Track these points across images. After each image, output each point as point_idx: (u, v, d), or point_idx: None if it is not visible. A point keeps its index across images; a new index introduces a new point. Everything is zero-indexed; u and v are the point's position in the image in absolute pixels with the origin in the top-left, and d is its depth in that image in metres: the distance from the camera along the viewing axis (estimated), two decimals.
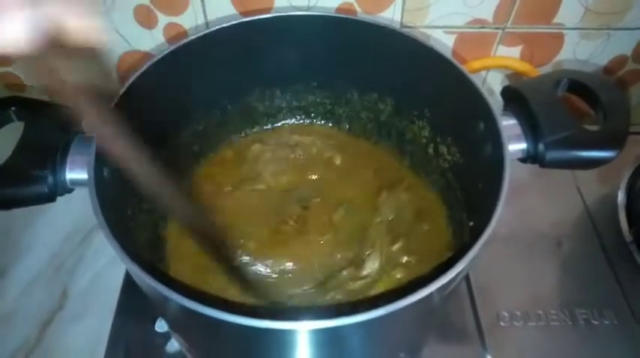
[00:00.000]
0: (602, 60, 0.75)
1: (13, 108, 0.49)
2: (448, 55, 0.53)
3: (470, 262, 0.39)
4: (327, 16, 0.59)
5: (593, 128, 0.49)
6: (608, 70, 0.77)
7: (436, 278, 0.38)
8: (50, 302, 0.63)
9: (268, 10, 0.68)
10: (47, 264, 0.66)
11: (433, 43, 0.55)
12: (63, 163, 0.47)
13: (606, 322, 0.61)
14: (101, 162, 0.45)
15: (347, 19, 0.58)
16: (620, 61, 0.76)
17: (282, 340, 0.39)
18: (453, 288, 0.43)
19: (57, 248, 0.68)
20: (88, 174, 0.44)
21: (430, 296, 0.38)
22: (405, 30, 0.60)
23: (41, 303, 0.63)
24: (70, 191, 0.48)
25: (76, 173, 0.47)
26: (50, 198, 0.47)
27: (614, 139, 0.48)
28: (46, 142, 0.47)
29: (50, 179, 0.46)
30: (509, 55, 0.74)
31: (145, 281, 0.38)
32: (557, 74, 0.53)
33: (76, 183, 0.47)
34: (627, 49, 0.74)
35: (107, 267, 0.66)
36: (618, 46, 0.74)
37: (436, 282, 0.38)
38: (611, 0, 0.67)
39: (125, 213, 0.52)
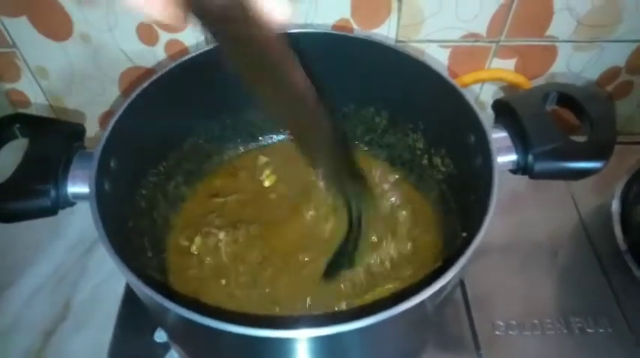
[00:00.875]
0: (596, 71, 0.76)
1: (17, 125, 0.51)
2: (441, 69, 0.54)
3: (460, 270, 0.40)
4: (324, 33, 0.60)
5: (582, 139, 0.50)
6: (601, 81, 0.78)
7: (428, 286, 0.39)
8: (53, 313, 0.64)
9: None
10: (50, 275, 0.67)
11: (427, 57, 0.56)
12: (65, 178, 0.48)
13: (601, 330, 0.61)
14: (102, 176, 0.46)
15: (343, 36, 0.60)
16: (613, 72, 0.77)
17: (281, 348, 0.40)
18: (448, 296, 0.44)
19: (60, 260, 0.68)
20: (89, 188, 0.45)
21: (424, 303, 0.39)
22: (398, 46, 0.61)
23: (44, 314, 0.64)
24: (71, 204, 0.49)
25: (77, 187, 0.48)
26: (53, 211, 0.48)
27: (600, 150, 0.48)
28: (48, 157, 0.49)
29: (53, 193, 0.47)
30: (504, 67, 0.75)
31: (145, 292, 0.39)
32: (546, 87, 0.53)
33: (78, 196, 0.48)
34: (620, 61, 0.75)
35: (109, 278, 0.66)
36: (611, 57, 0.75)
37: (429, 289, 0.39)
38: (602, 13, 0.68)
39: (126, 225, 0.53)
